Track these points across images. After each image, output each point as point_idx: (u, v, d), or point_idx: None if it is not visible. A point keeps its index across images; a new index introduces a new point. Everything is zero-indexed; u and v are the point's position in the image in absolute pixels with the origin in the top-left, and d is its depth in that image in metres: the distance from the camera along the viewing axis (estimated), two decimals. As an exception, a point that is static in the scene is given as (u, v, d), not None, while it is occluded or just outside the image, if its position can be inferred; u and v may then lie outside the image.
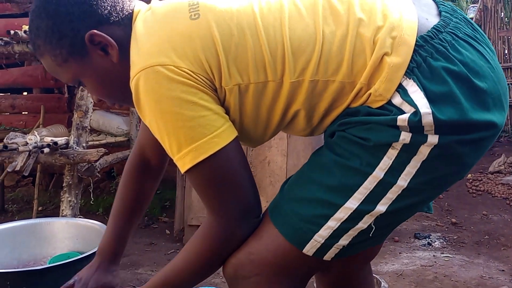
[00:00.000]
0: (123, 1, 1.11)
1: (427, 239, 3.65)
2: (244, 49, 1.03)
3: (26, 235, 2.60)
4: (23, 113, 5.59)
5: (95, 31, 1.06)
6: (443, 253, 3.36)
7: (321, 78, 1.04)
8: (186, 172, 1.03)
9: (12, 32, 2.84)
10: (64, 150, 2.92)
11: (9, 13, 5.50)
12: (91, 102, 3.06)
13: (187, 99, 0.98)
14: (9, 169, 2.82)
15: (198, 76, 1.00)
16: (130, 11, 1.12)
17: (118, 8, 1.09)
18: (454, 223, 4.13)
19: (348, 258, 1.09)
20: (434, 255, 3.30)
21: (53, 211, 4.76)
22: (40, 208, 4.32)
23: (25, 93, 5.95)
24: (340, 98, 1.05)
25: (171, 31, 1.03)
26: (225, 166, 1.03)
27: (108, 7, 1.08)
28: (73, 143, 2.96)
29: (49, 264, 2.44)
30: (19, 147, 2.86)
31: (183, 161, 1.02)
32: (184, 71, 0.99)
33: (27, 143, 2.99)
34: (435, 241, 3.64)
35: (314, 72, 1.03)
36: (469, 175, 5.30)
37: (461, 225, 4.11)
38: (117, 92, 1.17)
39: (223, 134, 1.02)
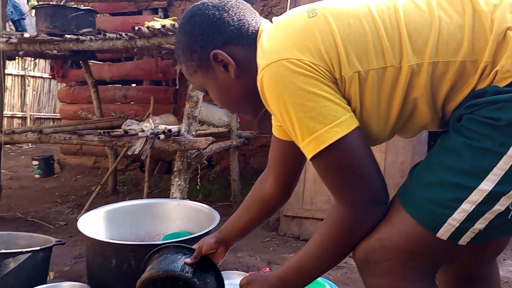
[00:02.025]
0: (249, 23, 1.21)
1: (536, 246, 3.43)
2: (362, 37, 1.06)
3: (143, 213, 2.84)
4: (131, 103, 6.03)
5: (219, 50, 1.18)
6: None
7: (441, 59, 1.03)
8: (310, 159, 1.07)
9: (136, 28, 3.12)
10: (176, 137, 3.14)
11: (125, 11, 5.98)
12: (202, 94, 3.26)
13: (309, 90, 1.03)
14: (129, 152, 3.10)
15: (319, 68, 1.05)
16: (255, 31, 1.21)
17: (243, 31, 1.20)
18: None
19: (475, 251, 1.08)
20: (543, 264, 3.10)
21: (158, 194, 5.11)
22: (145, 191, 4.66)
23: (133, 85, 6.41)
24: (462, 80, 1.04)
25: (291, 30, 1.11)
26: (348, 154, 1.05)
27: (235, 30, 1.19)
28: (184, 131, 3.18)
29: (162, 240, 2.67)
30: (138, 133, 3.13)
31: (307, 150, 1.07)
32: (306, 63, 1.04)
33: (143, 130, 3.26)
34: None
35: (433, 53, 1.03)
36: None
37: None
38: (233, 104, 1.29)
39: (343, 124, 1.04)
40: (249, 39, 1.20)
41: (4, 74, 3.93)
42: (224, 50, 1.18)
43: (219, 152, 4.49)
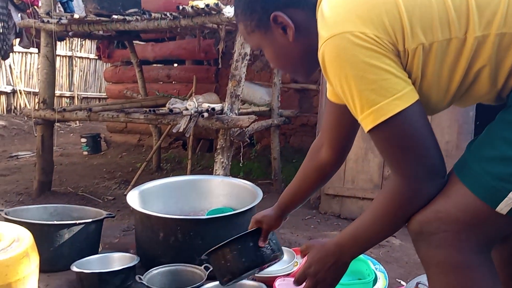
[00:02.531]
0: None
1: None
2: (427, 8, 1.04)
3: (188, 189, 2.93)
4: (173, 82, 6.14)
5: (279, 13, 1.19)
6: None
7: (508, 30, 1.02)
8: (368, 132, 1.07)
9: (180, 7, 3.16)
10: (219, 116, 3.20)
11: (168, -9, 6.04)
12: (244, 73, 3.29)
13: (371, 63, 1.03)
14: (174, 130, 3.19)
15: (382, 41, 1.04)
16: None
17: None
18: None
19: None
20: None
21: (200, 172, 5.22)
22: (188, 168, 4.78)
23: (175, 65, 6.50)
24: None
25: (355, 1, 1.09)
26: (407, 127, 1.05)
27: None
28: (227, 109, 3.23)
29: (207, 215, 2.75)
30: (182, 112, 3.21)
31: (366, 122, 1.07)
32: (369, 37, 1.04)
33: (187, 108, 3.33)
34: None
35: (501, 24, 1.02)
36: None
37: None
38: (288, 66, 1.31)
39: (404, 97, 1.03)
40: (310, 3, 1.20)
41: (55, 55, 4.08)
42: (284, 12, 1.19)
43: (259, 131, 4.53)
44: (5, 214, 2.44)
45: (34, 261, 1.41)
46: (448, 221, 1.06)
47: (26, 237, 1.43)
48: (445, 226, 1.07)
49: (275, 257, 1.67)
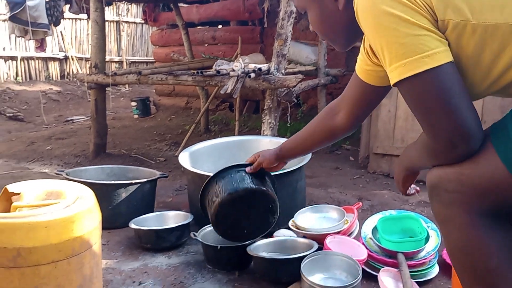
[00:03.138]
0: None
1: None
2: None
3: (237, 149, 2.97)
4: (218, 44, 6.13)
5: None
6: None
7: None
8: (394, 85, 1.06)
9: (225, -34, 3.13)
10: (266, 76, 3.18)
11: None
12: (290, 31, 3.24)
13: (405, 18, 1.00)
14: (221, 91, 3.21)
15: (422, 2, 1.01)
16: None
17: None
18: None
19: None
20: None
21: (247, 132, 5.27)
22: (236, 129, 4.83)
23: (220, 26, 6.48)
24: None
25: None
26: (434, 87, 1.00)
27: None
28: (274, 69, 3.21)
29: (256, 175, 2.79)
30: (230, 73, 3.22)
31: (392, 75, 1.04)
32: None
33: (234, 70, 3.33)
34: None
35: None
36: None
37: None
38: (330, 33, 1.30)
39: (435, 56, 0.99)
40: None
41: (104, 20, 4.16)
42: None
43: (306, 91, 4.49)
44: (66, 174, 2.58)
45: (97, 217, 1.50)
46: (467, 184, 1.04)
47: (89, 195, 1.51)
48: (462, 188, 1.05)
49: (260, 189, 1.83)
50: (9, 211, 1.46)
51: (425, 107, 1.04)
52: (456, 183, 1.06)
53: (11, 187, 1.52)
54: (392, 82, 1.06)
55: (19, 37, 5.36)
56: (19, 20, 5.04)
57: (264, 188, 1.85)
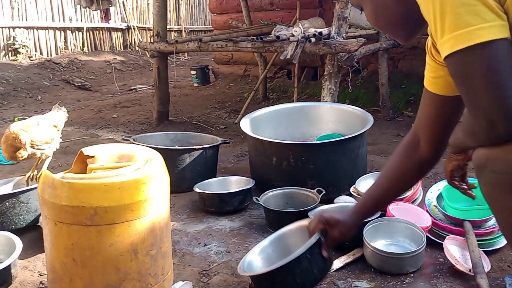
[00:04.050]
0: None
1: None
2: None
3: (297, 116, 2.98)
4: (276, 9, 6.04)
5: None
6: None
7: None
8: (445, 58, 0.99)
9: None
10: (326, 40, 3.12)
11: None
12: (352, -7, 3.13)
13: None
14: (281, 57, 3.19)
15: None
16: None
17: None
18: None
19: None
20: None
21: (305, 99, 5.22)
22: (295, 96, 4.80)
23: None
24: None
25: None
26: (486, 62, 0.94)
27: None
28: (335, 33, 3.14)
29: (317, 141, 2.79)
30: (289, 38, 3.18)
31: (444, 47, 0.98)
32: None
33: (293, 35, 3.29)
34: None
35: None
36: None
37: None
38: (388, 27, 1.25)
39: (490, 29, 0.93)
40: None
41: (164, -12, 4.21)
42: None
43: (365, 56, 4.35)
44: (133, 140, 2.70)
45: (166, 180, 1.56)
46: None
47: (158, 158, 1.57)
48: (510, 168, 0.98)
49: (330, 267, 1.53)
50: (84, 173, 1.55)
51: (470, 83, 0.97)
52: (504, 164, 0.99)
53: (86, 151, 1.61)
54: (443, 55, 0.99)
55: (85, 7, 5.54)
56: (85, -10, 5.23)
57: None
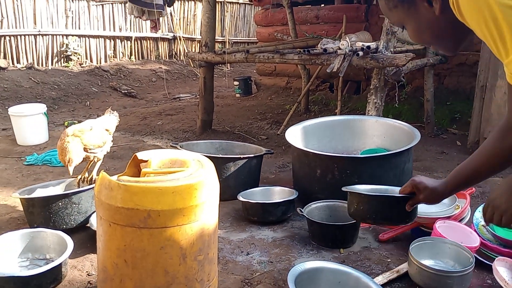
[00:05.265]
0: None
1: None
2: None
3: (342, 129, 2.97)
4: (321, 23, 6.05)
5: None
6: None
7: None
8: None
9: None
10: (374, 54, 3.11)
11: None
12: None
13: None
14: (328, 70, 3.20)
15: None
16: None
17: None
18: None
19: None
20: None
21: (347, 113, 5.19)
22: (335, 110, 4.79)
23: (322, 5, 6.38)
24: None
25: None
26: None
27: None
28: (383, 47, 3.12)
29: (361, 155, 2.77)
30: (337, 51, 3.19)
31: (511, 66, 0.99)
32: None
33: (340, 48, 3.30)
34: None
35: None
36: None
37: None
38: (435, 40, 1.25)
39: None
40: None
41: (216, 0, 4.29)
42: None
43: (410, 71, 4.31)
44: (180, 147, 2.76)
45: (216, 186, 1.60)
46: None
47: (209, 165, 1.61)
48: None
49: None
50: (138, 176, 1.60)
51: None
52: None
53: (140, 155, 1.67)
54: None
55: (136, 17, 5.71)
56: (138, 1, 5.38)
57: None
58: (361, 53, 3.08)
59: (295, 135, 2.73)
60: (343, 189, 1.82)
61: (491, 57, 3.44)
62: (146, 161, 1.65)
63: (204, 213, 1.52)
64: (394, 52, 3.30)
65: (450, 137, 4.42)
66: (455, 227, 2.03)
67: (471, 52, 5.00)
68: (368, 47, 3.09)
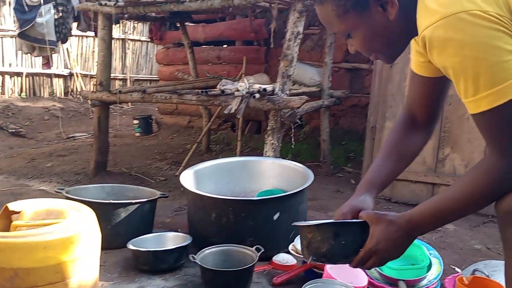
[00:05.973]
0: None
1: None
2: None
3: (239, 170, 2.95)
4: (223, 63, 6.16)
5: None
6: None
7: None
8: (479, 114, 1.04)
9: (233, -13, 3.16)
10: (270, 97, 3.18)
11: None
12: (296, 52, 3.25)
13: (492, 44, 0.97)
14: (225, 111, 3.21)
15: (504, 19, 0.98)
16: None
17: None
18: None
19: None
20: None
21: (249, 153, 5.26)
22: (236, 150, 4.82)
23: (225, 46, 6.52)
24: None
25: None
26: None
27: None
28: (279, 90, 3.21)
29: (257, 197, 2.77)
30: (234, 93, 3.22)
31: (478, 104, 1.02)
32: (491, 15, 0.97)
33: (239, 89, 3.34)
34: None
35: None
36: None
37: None
38: (382, 47, 1.24)
39: None
40: None
41: (112, 38, 4.18)
42: None
43: (308, 112, 4.50)
44: (66, 192, 2.56)
45: (97, 237, 1.48)
46: None
47: (89, 215, 1.49)
48: None
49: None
50: (8, 230, 1.44)
51: (502, 130, 1.04)
52: None
53: (12, 205, 1.51)
54: (477, 111, 1.04)
55: (26, 53, 5.39)
56: (28, 36, 5.08)
57: None
58: (257, 95, 3.14)
59: (189, 178, 2.66)
60: (293, 224, 1.56)
61: (379, 100, 3.68)
62: (19, 212, 1.49)
63: (81, 268, 1.39)
64: (290, 95, 3.40)
65: (345, 176, 4.62)
66: (345, 267, 2.06)
67: (363, 94, 5.37)
68: (265, 89, 3.16)
